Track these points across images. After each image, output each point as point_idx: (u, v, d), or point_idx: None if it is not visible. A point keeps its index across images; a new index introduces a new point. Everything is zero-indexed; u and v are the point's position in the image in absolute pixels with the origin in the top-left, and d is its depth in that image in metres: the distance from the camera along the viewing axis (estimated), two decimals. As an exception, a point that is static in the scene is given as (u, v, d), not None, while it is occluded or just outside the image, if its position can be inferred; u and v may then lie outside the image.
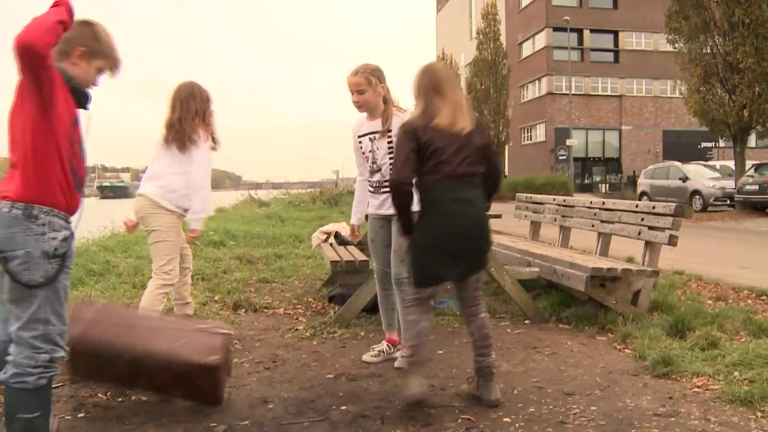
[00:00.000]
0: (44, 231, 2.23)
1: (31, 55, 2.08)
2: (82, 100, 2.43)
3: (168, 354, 2.92)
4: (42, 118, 2.20)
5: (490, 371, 3.18)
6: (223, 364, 3.05)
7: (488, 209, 3.39)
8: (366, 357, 3.96)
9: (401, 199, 3.10)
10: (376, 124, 3.82)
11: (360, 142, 3.95)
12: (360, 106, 3.82)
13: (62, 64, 2.36)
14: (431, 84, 3.17)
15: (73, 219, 2.38)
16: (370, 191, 3.97)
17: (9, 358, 2.27)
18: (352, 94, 3.80)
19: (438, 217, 3.08)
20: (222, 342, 3.07)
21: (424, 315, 3.19)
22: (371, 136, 3.85)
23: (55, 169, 2.25)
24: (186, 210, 3.94)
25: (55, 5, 2.21)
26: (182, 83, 4.05)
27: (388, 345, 4.01)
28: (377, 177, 3.88)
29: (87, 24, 2.46)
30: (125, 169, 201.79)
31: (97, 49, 2.45)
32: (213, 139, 4.02)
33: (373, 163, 3.87)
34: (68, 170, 2.30)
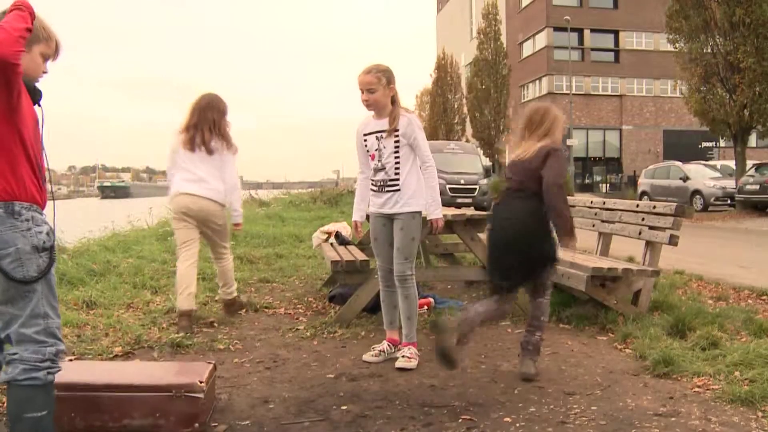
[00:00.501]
0: (29, 226, 2.23)
1: (5, 66, 2.09)
2: (36, 96, 2.40)
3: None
4: (10, 121, 2.21)
5: (527, 347, 3.65)
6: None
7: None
8: (366, 357, 3.97)
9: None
10: (384, 123, 3.87)
11: (365, 140, 3.97)
12: (369, 104, 3.87)
13: None
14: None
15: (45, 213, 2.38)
16: (372, 190, 3.97)
17: (14, 357, 2.26)
18: (363, 92, 3.85)
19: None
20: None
21: (488, 303, 3.57)
22: (378, 134, 3.89)
23: (26, 167, 2.27)
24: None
25: (16, 9, 2.18)
26: (203, 94, 4.79)
27: (389, 345, 4.01)
28: (381, 176, 3.90)
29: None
30: (126, 169, 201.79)
31: (33, 35, 2.31)
32: (231, 146, 4.73)
33: (378, 161, 3.90)
34: (36, 167, 2.32)
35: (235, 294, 5.08)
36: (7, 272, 2.20)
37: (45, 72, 2.47)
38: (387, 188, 3.86)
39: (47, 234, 2.30)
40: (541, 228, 3.52)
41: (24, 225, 2.23)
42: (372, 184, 3.98)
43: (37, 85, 2.42)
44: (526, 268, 3.53)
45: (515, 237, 3.52)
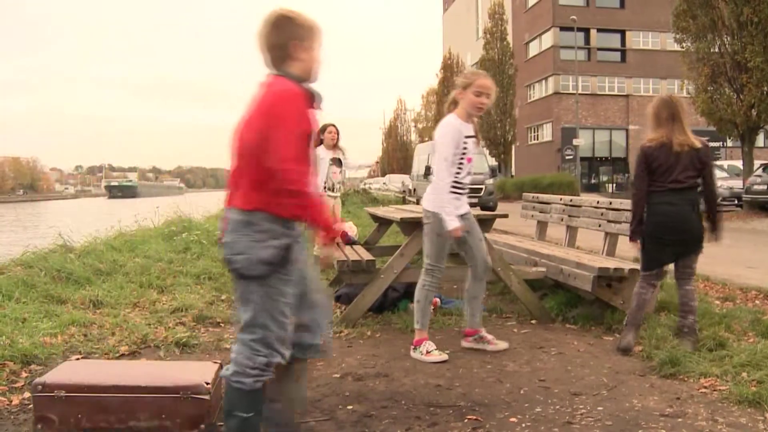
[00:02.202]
0: (264, 238, 2.29)
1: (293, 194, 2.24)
2: (316, 101, 2.41)
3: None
4: None
5: (682, 330, 4.04)
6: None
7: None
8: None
9: None
10: (471, 129, 3.99)
11: (465, 144, 3.97)
12: (483, 110, 3.98)
13: (287, 68, 2.37)
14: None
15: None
16: (455, 192, 3.97)
17: (232, 356, 2.35)
18: (483, 96, 3.90)
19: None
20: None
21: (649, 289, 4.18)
22: (473, 139, 3.99)
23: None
24: None
25: (329, 232, 2.33)
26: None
27: (476, 338, 4.19)
28: (469, 179, 4.04)
29: (286, 18, 2.38)
30: (132, 169, 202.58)
31: (306, 34, 2.39)
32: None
33: (471, 165, 4.02)
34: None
35: None
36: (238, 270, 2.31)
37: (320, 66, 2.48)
38: (467, 191, 4.06)
39: (281, 248, 2.32)
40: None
41: (259, 236, 2.29)
42: (457, 187, 3.98)
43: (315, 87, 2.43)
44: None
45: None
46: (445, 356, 3.96)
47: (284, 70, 2.36)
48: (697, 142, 4.00)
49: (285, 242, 2.32)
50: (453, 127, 3.94)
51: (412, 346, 4.06)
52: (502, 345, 4.16)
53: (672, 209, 4.00)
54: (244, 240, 2.27)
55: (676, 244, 4.04)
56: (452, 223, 3.85)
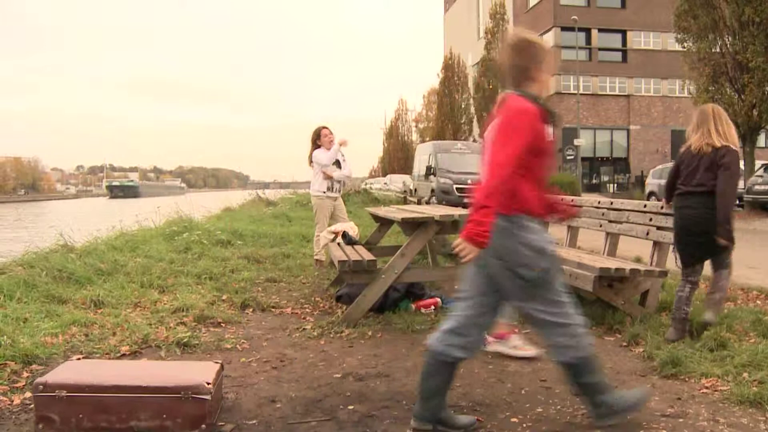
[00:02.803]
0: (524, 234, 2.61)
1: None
2: (553, 119, 2.71)
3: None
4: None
5: (710, 302, 4.31)
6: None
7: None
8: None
9: None
10: None
11: None
12: None
13: (525, 87, 2.67)
14: None
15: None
16: None
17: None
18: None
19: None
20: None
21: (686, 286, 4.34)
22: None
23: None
24: None
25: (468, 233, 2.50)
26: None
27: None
28: None
29: (528, 42, 2.72)
30: (133, 169, 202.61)
31: (544, 57, 2.74)
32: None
33: None
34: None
35: None
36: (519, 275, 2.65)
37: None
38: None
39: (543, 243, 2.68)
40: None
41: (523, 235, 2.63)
42: None
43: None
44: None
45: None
46: (536, 351, 3.96)
47: (522, 90, 2.66)
48: (717, 144, 4.13)
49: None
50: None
51: (496, 340, 4.01)
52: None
53: (691, 212, 4.20)
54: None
55: (695, 245, 4.24)
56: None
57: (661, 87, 42.05)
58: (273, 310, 5.38)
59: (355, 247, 5.70)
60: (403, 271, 4.80)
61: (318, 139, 7.46)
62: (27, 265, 5.79)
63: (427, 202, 18.68)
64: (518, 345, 4.01)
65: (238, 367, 3.81)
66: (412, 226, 4.89)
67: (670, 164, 23.76)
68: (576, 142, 36.42)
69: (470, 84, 46.39)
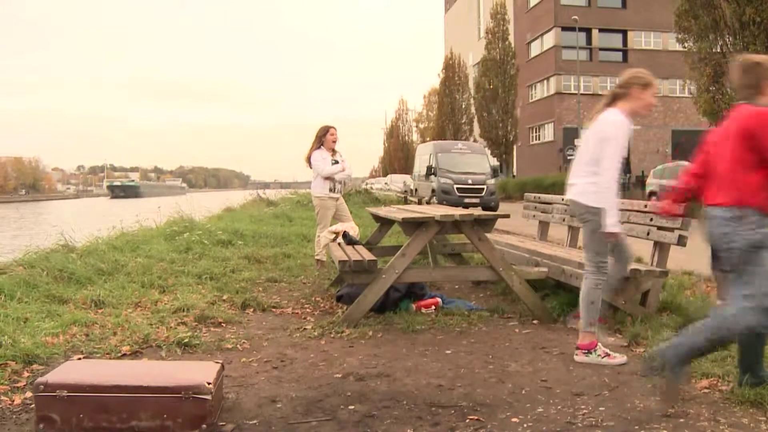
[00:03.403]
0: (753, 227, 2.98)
1: None
2: None
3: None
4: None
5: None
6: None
7: None
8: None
9: None
10: None
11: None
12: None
13: (757, 100, 3.08)
14: None
15: None
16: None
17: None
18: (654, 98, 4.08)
19: None
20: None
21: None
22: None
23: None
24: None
25: None
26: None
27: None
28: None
29: (756, 64, 3.17)
30: (134, 169, 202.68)
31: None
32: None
33: None
34: None
35: None
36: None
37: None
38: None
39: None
40: None
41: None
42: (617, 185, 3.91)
43: None
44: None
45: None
46: (624, 358, 3.87)
47: (755, 102, 3.09)
48: None
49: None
50: (626, 124, 3.97)
51: (582, 351, 3.89)
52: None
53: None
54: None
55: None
56: (615, 226, 3.77)
57: (661, 87, 41.90)
58: (273, 310, 5.38)
59: (356, 247, 5.70)
60: (403, 271, 4.80)
61: (323, 136, 7.43)
62: (28, 265, 5.80)
63: (428, 202, 18.71)
64: (606, 352, 3.85)
65: (239, 367, 3.81)
66: (413, 226, 4.89)
67: (670, 164, 23.79)
68: (576, 142, 36.33)
69: (471, 84, 46.43)
